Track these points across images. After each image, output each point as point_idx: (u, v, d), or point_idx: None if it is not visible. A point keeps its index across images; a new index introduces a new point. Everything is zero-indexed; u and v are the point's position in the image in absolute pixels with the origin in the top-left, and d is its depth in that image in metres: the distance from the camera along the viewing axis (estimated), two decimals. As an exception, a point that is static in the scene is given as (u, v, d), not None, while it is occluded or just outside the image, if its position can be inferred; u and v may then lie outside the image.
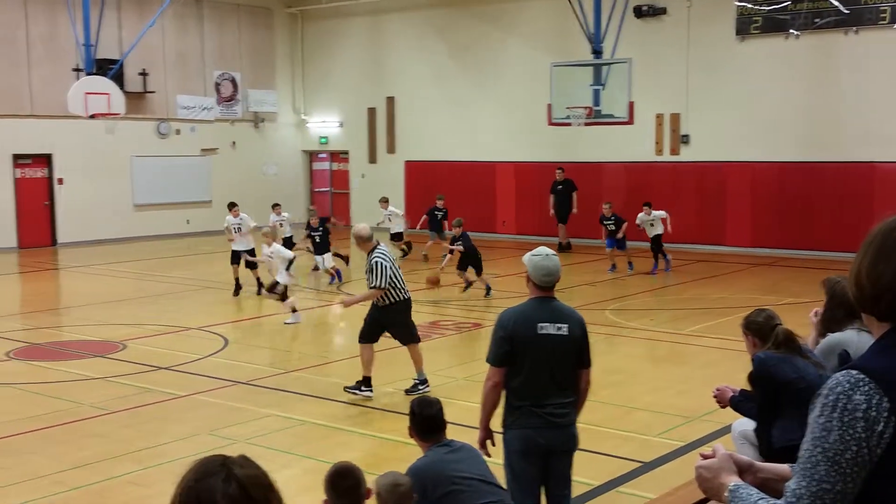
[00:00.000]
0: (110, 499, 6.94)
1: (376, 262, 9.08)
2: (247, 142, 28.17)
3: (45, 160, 23.83)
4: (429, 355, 11.68)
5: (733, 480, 2.18)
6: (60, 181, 24.04)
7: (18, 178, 23.46)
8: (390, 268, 9.19)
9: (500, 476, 5.15)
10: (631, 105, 18.67)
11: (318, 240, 16.66)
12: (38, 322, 14.42)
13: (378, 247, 9.30)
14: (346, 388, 9.45)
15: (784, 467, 2.35)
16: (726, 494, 2.15)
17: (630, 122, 19.05)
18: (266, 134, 28.84)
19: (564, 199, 21.83)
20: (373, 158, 28.04)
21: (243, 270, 15.89)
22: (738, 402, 5.31)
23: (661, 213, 17.99)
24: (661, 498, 4.09)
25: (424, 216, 20.92)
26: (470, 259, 15.53)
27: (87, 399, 9.69)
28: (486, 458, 5.11)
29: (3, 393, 10.09)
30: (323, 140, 29.36)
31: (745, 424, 5.58)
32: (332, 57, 28.58)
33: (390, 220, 20.43)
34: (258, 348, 12.42)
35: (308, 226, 17.08)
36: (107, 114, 20.35)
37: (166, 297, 16.13)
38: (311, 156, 30.05)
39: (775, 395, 4.81)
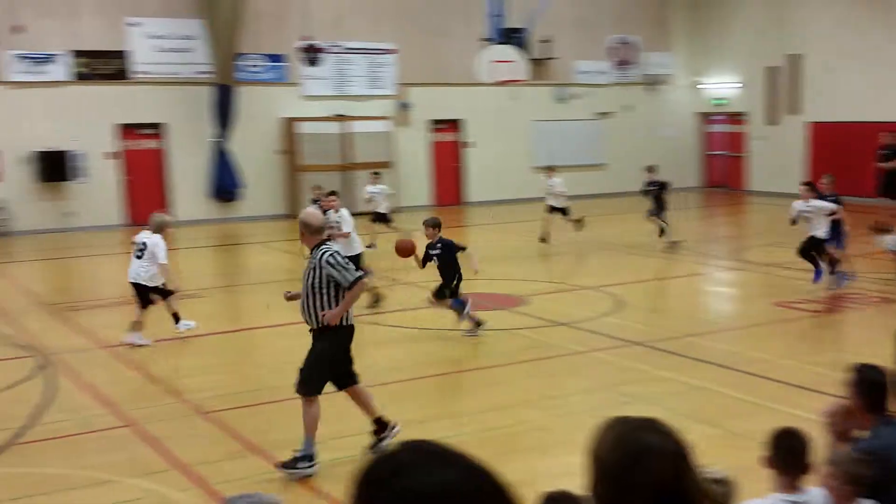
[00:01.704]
0: (520, 441, 7.48)
1: (330, 255, 6.83)
2: (640, 105, 28.21)
3: (456, 125, 25.83)
4: (846, 330, 11.01)
5: None
6: (468, 144, 25.93)
7: (434, 141, 25.70)
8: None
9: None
10: None
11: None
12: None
13: (326, 243, 7.02)
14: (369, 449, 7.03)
15: None
16: None
17: None
18: (659, 96, 28.64)
19: None
20: (772, 120, 26.70)
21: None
22: None
23: (827, 204, 12.56)
24: None
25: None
26: (447, 274, 10.90)
27: (495, 348, 10.47)
28: None
29: (420, 336, 11.19)
30: (718, 101, 28.51)
31: None
32: (730, 16, 27.55)
33: (553, 194, 17.99)
34: (653, 311, 12.54)
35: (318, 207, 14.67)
36: (511, 80, 21.50)
37: (563, 256, 16.82)
38: (705, 118, 29.32)
39: None
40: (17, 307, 13.10)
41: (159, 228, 10.66)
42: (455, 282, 10.87)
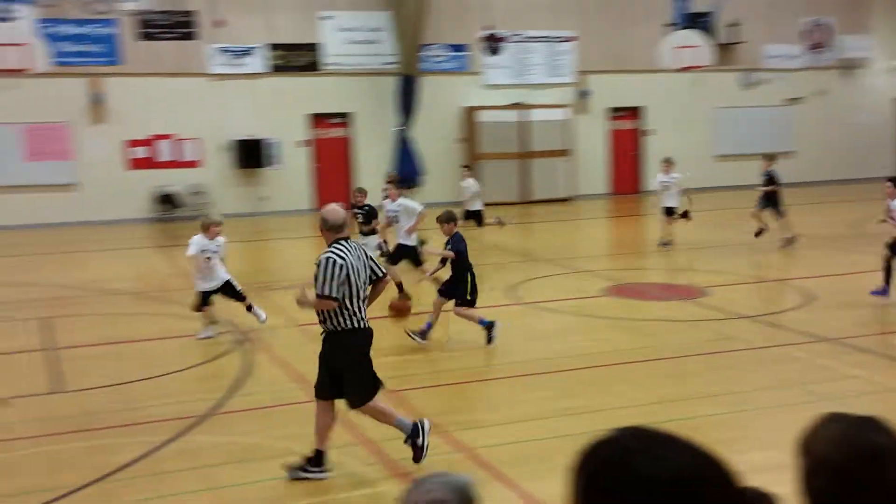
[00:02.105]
0: (700, 436, 7.28)
1: (326, 259, 6.31)
2: (834, 90, 26.84)
3: (635, 113, 25.43)
4: None
5: None
6: (647, 132, 25.48)
7: (611, 130, 25.42)
8: (346, 270, 6.30)
9: None
10: None
11: (360, 219, 13.56)
12: (627, 263, 15.63)
13: (341, 242, 6.44)
14: (288, 469, 6.54)
15: None
16: None
17: None
18: (855, 81, 27.12)
19: None
20: (985, 105, 24.75)
21: None
22: None
23: None
24: None
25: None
26: (458, 279, 9.89)
27: (672, 339, 10.31)
28: None
29: (599, 325, 11.18)
30: (923, 86, 26.70)
31: None
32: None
33: (670, 193, 16.36)
34: (845, 306, 11.96)
35: (352, 205, 13.72)
36: (695, 66, 20.96)
37: (744, 248, 16.29)
38: (908, 104, 27.52)
39: None
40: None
41: (201, 227, 10.60)
42: (470, 281, 9.86)
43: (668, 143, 25.18)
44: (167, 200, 21.91)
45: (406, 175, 23.58)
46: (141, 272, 15.61)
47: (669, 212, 16.51)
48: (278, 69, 22.64)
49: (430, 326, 10.01)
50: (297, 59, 22.79)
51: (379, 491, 6.32)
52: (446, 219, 9.95)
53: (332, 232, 6.42)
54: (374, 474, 6.58)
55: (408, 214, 12.30)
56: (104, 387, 8.89)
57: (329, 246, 6.39)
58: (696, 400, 8.12)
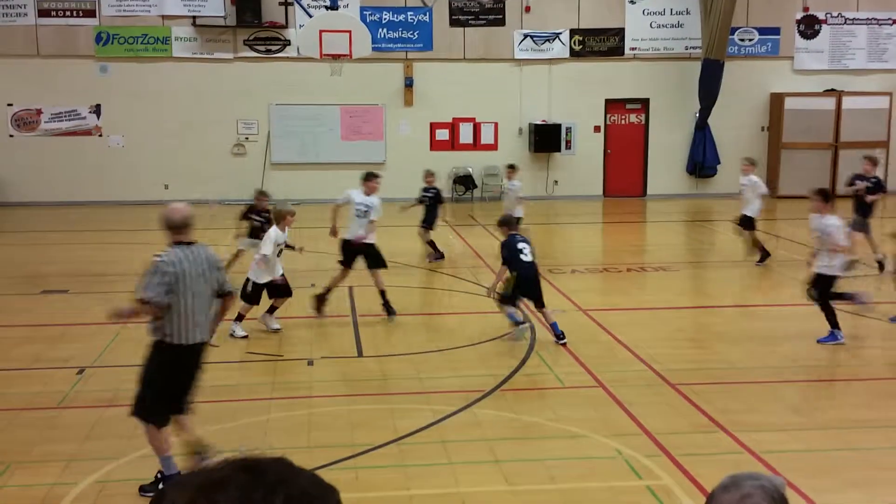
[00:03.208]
0: None
1: (152, 262, 5.91)
2: None
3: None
4: None
5: None
6: None
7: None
8: (171, 277, 5.87)
9: None
10: None
11: (256, 224, 12.16)
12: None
13: (181, 246, 6.02)
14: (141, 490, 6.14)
15: None
16: None
17: None
18: None
19: None
20: None
21: None
22: None
23: None
24: None
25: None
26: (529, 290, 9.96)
27: None
28: None
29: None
30: None
31: None
32: None
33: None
34: None
35: (252, 209, 12.50)
36: None
37: None
38: None
39: None
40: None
41: (275, 218, 10.14)
42: (514, 281, 9.87)
43: None
44: (463, 181, 22.75)
45: (702, 164, 22.83)
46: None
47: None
48: (575, 54, 22.68)
49: (518, 322, 10.05)
50: (598, 44, 22.69)
51: (661, 484, 6.22)
52: (500, 223, 10.40)
53: (171, 232, 6.05)
54: (657, 467, 6.47)
55: (376, 212, 10.90)
56: (399, 355, 9.45)
57: (168, 247, 6.06)
58: None
